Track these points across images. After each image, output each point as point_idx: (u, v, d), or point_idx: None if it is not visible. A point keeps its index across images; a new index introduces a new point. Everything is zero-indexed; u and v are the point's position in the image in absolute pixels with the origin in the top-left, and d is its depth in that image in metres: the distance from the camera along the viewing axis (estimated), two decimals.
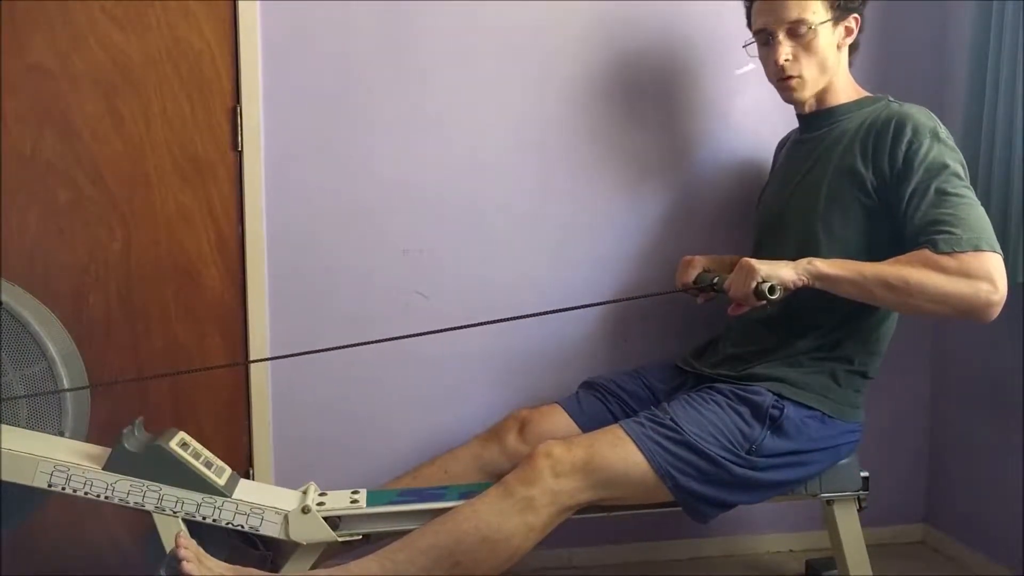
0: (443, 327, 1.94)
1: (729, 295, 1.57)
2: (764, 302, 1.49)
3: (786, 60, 1.65)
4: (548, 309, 1.98)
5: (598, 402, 1.80)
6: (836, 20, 1.64)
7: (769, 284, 1.48)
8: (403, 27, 1.90)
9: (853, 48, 1.71)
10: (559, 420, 1.76)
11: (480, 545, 1.45)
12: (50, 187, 1.82)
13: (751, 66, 1.93)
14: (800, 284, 1.50)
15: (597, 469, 1.51)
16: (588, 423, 1.73)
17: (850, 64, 1.72)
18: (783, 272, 1.50)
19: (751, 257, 1.58)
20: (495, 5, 1.93)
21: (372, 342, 1.61)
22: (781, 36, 1.65)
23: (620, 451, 1.52)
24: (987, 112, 1.85)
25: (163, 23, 1.82)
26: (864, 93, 1.72)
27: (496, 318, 1.97)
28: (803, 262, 1.52)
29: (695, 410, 1.59)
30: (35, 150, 1.81)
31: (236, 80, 1.86)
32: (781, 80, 1.68)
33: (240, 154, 1.88)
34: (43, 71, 1.79)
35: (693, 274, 1.79)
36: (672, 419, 1.56)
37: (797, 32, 1.63)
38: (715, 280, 1.68)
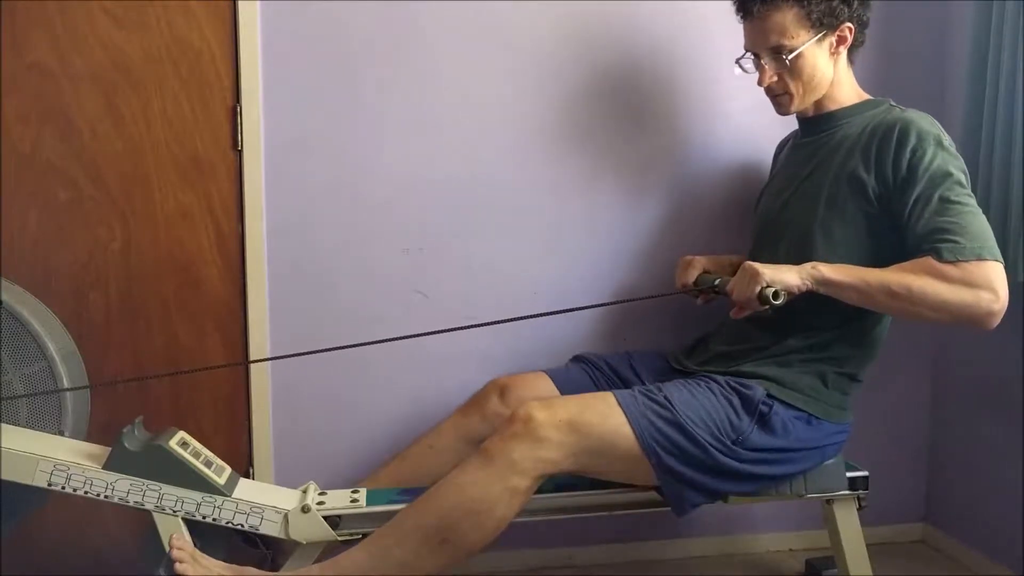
0: (443, 326, 1.95)
1: (732, 299, 1.56)
2: (767, 307, 1.49)
3: (771, 81, 1.66)
4: (548, 310, 1.99)
5: (585, 375, 1.80)
6: (822, 37, 1.62)
7: (773, 289, 1.48)
8: (403, 27, 1.90)
9: (856, 46, 1.69)
10: (542, 386, 1.76)
11: (465, 519, 1.45)
12: (50, 186, 1.82)
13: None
14: (804, 289, 1.50)
15: (581, 434, 1.49)
16: (571, 392, 1.70)
17: (852, 62, 1.71)
18: (787, 277, 1.50)
19: (748, 259, 1.57)
20: (496, 5, 1.93)
21: (372, 343, 1.62)
22: (765, 59, 1.66)
23: (610, 421, 1.51)
24: (987, 112, 1.84)
25: (163, 22, 1.82)
26: (865, 96, 1.71)
27: (496, 319, 1.97)
28: (807, 267, 1.51)
29: (690, 393, 1.59)
30: (35, 149, 1.81)
31: (236, 79, 1.86)
32: (771, 96, 1.71)
33: (240, 153, 1.88)
34: (43, 70, 1.79)
35: (693, 275, 1.79)
36: (666, 397, 1.56)
37: (779, 55, 1.63)
38: (716, 282, 1.68)
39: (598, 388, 1.75)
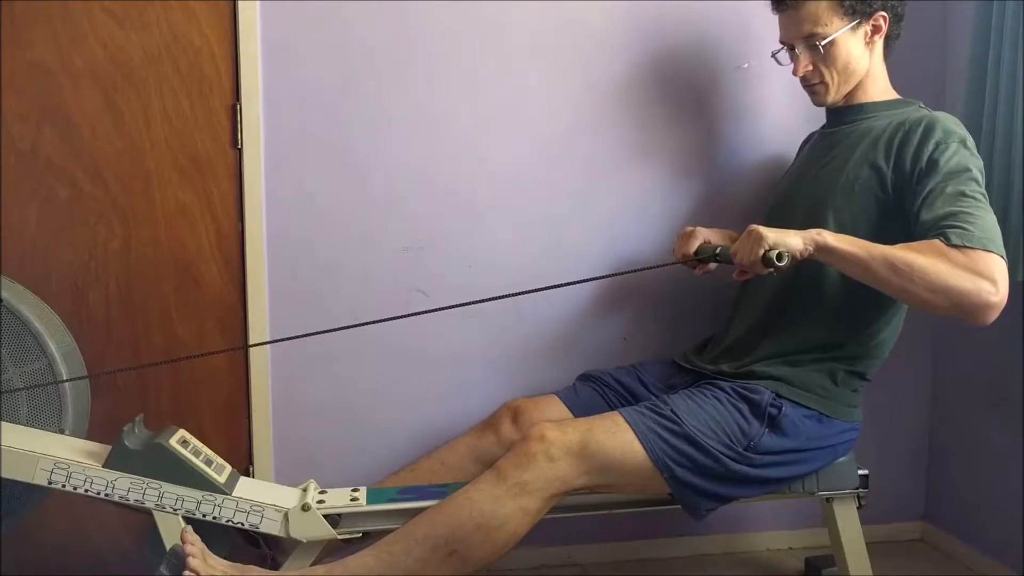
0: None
1: (735, 261, 1.55)
2: (771, 270, 1.48)
3: (806, 70, 1.69)
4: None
5: (595, 393, 1.81)
6: (856, 25, 1.65)
7: (777, 251, 1.46)
8: (402, 26, 1.90)
9: (892, 39, 1.71)
10: (554, 409, 1.76)
11: (475, 532, 1.46)
12: (50, 184, 1.82)
13: (748, 64, 1.99)
14: (807, 254, 1.48)
15: (592, 454, 1.51)
16: (584, 413, 1.72)
17: (887, 57, 1.72)
18: (791, 240, 1.48)
19: None
20: (495, 4, 1.93)
21: (368, 325, 1.61)
22: (800, 48, 1.68)
23: (618, 438, 1.53)
24: (987, 112, 1.85)
25: (163, 21, 1.82)
26: (896, 95, 1.73)
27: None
28: (812, 232, 1.49)
29: (696, 404, 1.59)
30: (35, 147, 1.80)
31: (236, 78, 1.85)
32: (806, 87, 1.73)
33: (240, 151, 1.87)
34: (43, 68, 1.79)
35: (694, 245, 1.77)
36: (672, 410, 1.57)
37: (813, 44, 1.66)
38: (717, 250, 1.66)
39: (609, 406, 1.75)
